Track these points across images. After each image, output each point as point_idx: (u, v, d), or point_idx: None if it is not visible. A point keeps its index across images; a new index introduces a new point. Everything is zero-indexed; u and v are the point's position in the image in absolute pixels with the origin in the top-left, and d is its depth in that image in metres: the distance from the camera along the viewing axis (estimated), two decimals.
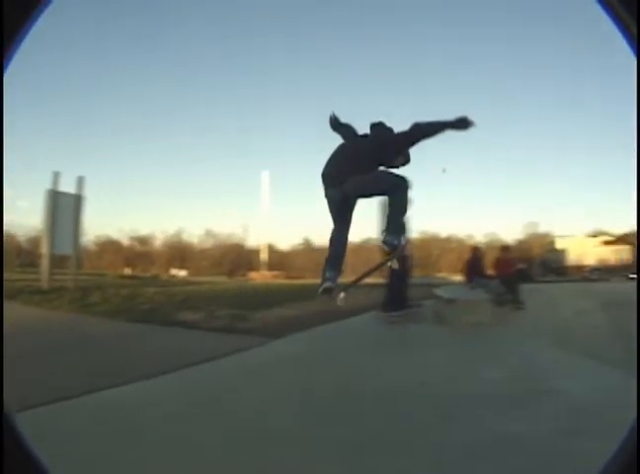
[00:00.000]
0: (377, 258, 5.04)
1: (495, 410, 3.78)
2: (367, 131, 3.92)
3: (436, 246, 65.03)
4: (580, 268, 64.12)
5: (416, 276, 11.97)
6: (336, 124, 4.01)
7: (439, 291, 10.28)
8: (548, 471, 2.70)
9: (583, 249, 71.97)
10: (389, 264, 3.95)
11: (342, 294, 3.59)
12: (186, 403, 3.86)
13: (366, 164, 3.64)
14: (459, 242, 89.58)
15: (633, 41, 0.83)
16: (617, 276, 50.59)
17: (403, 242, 3.79)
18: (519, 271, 13.44)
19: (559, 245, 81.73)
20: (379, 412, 3.71)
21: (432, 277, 33.25)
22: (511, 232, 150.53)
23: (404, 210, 3.65)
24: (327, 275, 3.77)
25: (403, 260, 8.62)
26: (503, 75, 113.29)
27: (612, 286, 27.10)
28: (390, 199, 3.70)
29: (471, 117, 3.68)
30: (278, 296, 12.89)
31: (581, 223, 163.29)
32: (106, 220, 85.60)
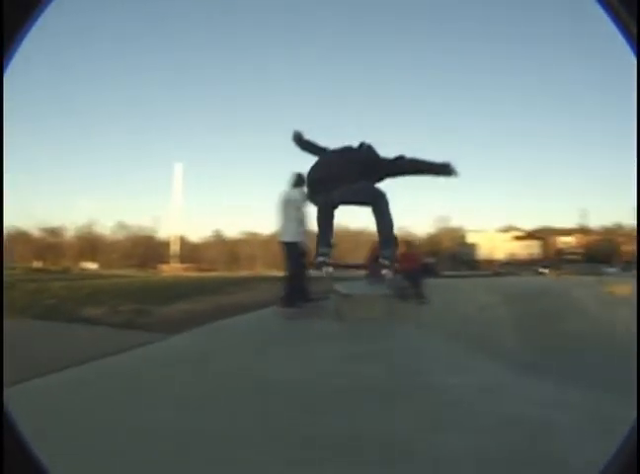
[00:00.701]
0: None
1: (366, 405, 3.93)
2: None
3: (347, 239, 67.86)
4: (490, 262, 70.12)
5: None
6: (300, 141, 4.61)
7: (337, 286, 10.67)
8: (391, 467, 2.94)
9: (493, 243, 78.52)
10: (383, 272, 4.56)
11: (330, 269, 4.56)
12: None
13: (353, 178, 4.11)
14: (371, 235, 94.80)
15: (633, 41, 0.86)
16: (527, 270, 55.90)
17: (395, 253, 4.58)
18: (423, 265, 14.19)
19: (470, 239, 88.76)
20: (251, 407, 3.95)
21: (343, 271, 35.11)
22: (422, 226, 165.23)
23: (391, 222, 4.18)
24: (321, 250, 4.48)
25: (302, 253, 8.71)
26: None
27: (520, 281, 29.98)
28: (375, 212, 4.20)
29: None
30: (185, 290, 13.34)
31: (492, 218, 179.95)
32: (15, 211, 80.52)
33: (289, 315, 8.70)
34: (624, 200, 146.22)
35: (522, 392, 4.70)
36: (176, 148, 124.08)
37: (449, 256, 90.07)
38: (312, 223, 8.46)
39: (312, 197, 4.37)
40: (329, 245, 4.49)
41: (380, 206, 4.15)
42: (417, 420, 3.73)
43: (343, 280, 12.44)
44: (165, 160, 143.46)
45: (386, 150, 4.45)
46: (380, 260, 4.52)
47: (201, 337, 7.29)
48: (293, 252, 8.68)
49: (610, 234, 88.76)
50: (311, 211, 8.46)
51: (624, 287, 20.14)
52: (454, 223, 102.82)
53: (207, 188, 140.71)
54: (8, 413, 0.92)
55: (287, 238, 8.69)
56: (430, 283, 12.44)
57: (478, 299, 12.46)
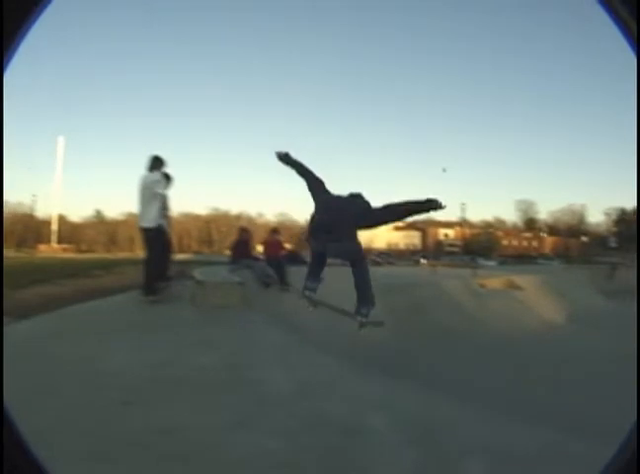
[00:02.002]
0: None
1: (182, 399, 4.04)
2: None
3: (225, 223, 68.89)
4: (368, 251, 75.29)
5: (205, 252, 12.63)
6: (286, 159, 5.32)
7: (195, 272, 10.98)
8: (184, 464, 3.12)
9: (373, 233, 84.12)
10: (359, 319, 5.10)
11: (311, 308, 5.34)
12: None
13: (347, 227, 4.87)
14: (250, 220, 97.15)
15: (633, 41, 0.90)
16: (405, 260, 60.57)
17: (371, 311, 5.24)
18: (289, 253, 14.75)
19: None
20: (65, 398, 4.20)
21: (220, 255, 36.14)
22: (303, 212, 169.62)
23: (369, 283, 5.07)
24: (307, 284, 5.35)
25: (162, 238, 9.03)
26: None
27: (397, 271, 31.95)
28: (355, 272, 5.05)
29: None
30: (51, 272, 13.40)
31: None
32: None
33: (147, 301, 8.94)
34: (506, 196, 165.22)
35: (349, 391, 5.00)
36: (61, 120, 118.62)
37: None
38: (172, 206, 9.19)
39: (310, 241, 5.22)
40: (317, 280, 5.32)
41: (360, 268, 5.02)
42: (226, 416, 3.93)
43: (215, 264, 12.52)
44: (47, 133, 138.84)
45: None
46: (357, 316, 5.17)
47: (49, 323, 7.39)
48: (152, 238, 8.88)
49: (491, 228, 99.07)
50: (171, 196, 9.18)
51: (496, 281, 22.49)
52: None
53: (92, 165, 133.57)
54: (8, 413, 0.96)
55: (146, 224, 8.85)
56: (300, 272, 12.84)
57: (343, 289, 13.02)
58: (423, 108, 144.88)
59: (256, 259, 12.49)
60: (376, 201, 4.73)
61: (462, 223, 55.31)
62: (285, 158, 5.50)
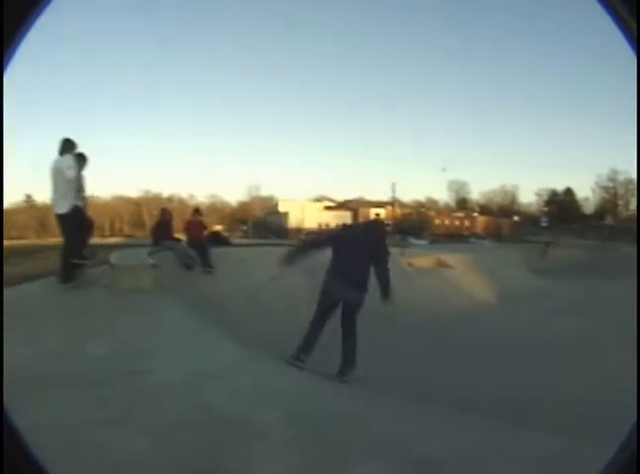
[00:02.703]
0: None
1: (54, 393, 3.94)
2: None
3: (156, 206, 70.24)
4: (299, 231, 76.00)
5: (138, 236, 12.28)
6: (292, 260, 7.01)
7: (111, 256, 10.82)
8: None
9: (305, 213, 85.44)
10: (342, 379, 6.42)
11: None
12: None
13: (363, 261, 6.62)
14: (181, 202, 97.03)
15: (633, 41, 0.92)
16: None
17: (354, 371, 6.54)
18: (212, 234, 14.76)
19: (282, 208, 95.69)
20: None
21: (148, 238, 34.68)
22: (234, 194, 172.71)
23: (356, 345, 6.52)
24: (302, 355, 6.50)
25: (79, 223, 8.90)
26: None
27: (324, 251, 32.32)
28: (348, 330, 6.60)
29: None
30: None
31: (308, 188, 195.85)
32: None
33: (63, 288, 8.82)
34: (438, 176, 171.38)
35: (244, 383, 4.83)
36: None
37: (254, 224, 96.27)
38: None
39: (325, 287, 6.96)
40: (311, 350, 6.83)
41: (353, 328, 6.91)
42: (98, 412, 3.73)
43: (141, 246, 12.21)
44: None
45: None
46: (340, 376, 6.53)
47: None
48: (68, 223, 8.80)
49: (423, 208, 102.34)
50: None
51: (424, 260, 23.15)
52: (265, 191, 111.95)
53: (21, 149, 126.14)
54: (8, 413, 0.99)
55: (59, 210, 8.77)
56: (223, 253, 12.73)
57: (270, 270, 13.10)
58: (356, 83, 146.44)
59: (177, 240, 12.40)
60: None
61: (393, 203, 56.42)
62: (291, 260, 7.01)
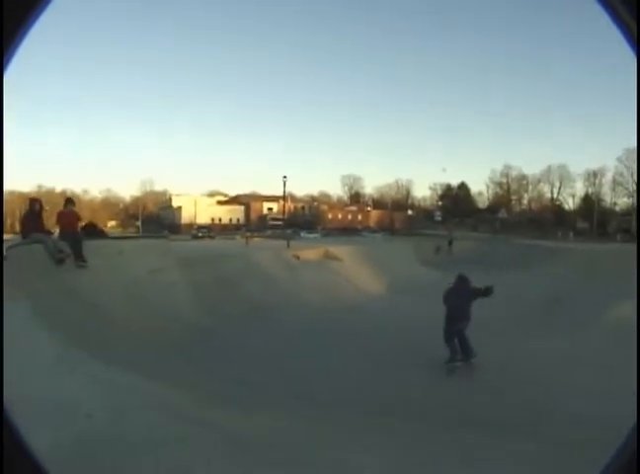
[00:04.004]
0: None
1: None
2: None
3: (50, 201, 66.51)
4: (192, 225, 75.94)
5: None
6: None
7: None
8: None
9: (197, 207, 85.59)
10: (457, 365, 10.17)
11: None
12: None
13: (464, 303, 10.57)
14: (75, 197, 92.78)
15: (633, 41, 0.95)
16: (228, 234, 61.94)
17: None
18: (86, 226, 14.31)
19: (175, 203, 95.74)
20: None
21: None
22: (127, 188, 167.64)
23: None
24: (457, 357, 10.30)
25: None
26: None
27: (212, 244, 32.19)
28: (464, 333, 10.62)
29: None
30: None
31: (201, 183, 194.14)
32: None
33: None
34: (331, 172, 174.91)
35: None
36: None
37: (152, 219, 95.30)
38: None
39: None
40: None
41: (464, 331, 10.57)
42: None
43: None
44: None
45: None
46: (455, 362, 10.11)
47: None
48: None
49: (315, 202, 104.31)
50: None
51: (311, 252, 23.76)
52: (159, 186, 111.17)
53: None
54: (8, 413, 0.99)
55: None
56: (99, 246, 12.33)
57: (150, 263, 13.00)
58: (247, 79, 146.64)
59: (48, 232, 11.92)
60: None
61: (285, 197, 57.31)
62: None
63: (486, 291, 10.71)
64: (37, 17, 0.97)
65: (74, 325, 8.49)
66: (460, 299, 10.69)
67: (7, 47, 0.95)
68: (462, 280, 11.11)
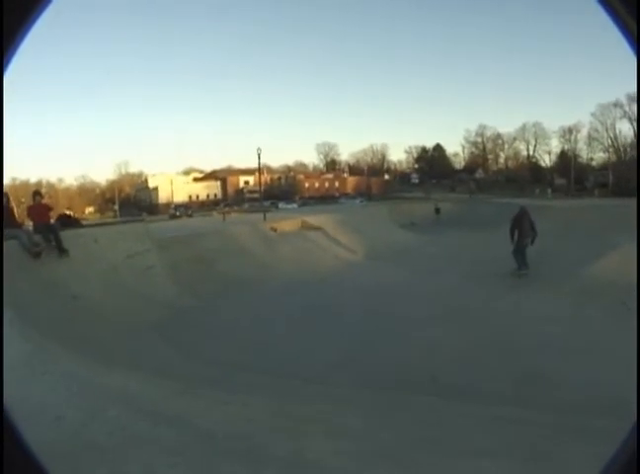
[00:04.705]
0: None
1: None
2: None
3: (25, 193, 66.33)
4: (169, 205, 75.95)
5: None
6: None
7: None
8: None
9: (174, 186, 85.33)
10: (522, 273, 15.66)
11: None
12: None
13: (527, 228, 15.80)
14: (50, 187, 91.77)
15: (633, 41, 0.94)
16: (205, 210, 61.99)
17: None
18: (60, 217, 14.08)
19: (151, 183, 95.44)
20: None
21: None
22: (102, 172, 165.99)
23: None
24: (524, 267, 15.73)
25: None
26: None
27: (190, 222, 32.06)
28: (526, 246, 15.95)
29: None
30: None
31: (175, 161, 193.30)
32: None
33: None
34: (305, 140, 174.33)
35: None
36: None
37: (128, 202, 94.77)
38: None
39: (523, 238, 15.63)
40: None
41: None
42: None
43: None
44: None
45: None
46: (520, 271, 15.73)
47: None
48: None
49: (291, 172, 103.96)
50: None
51: (289, 223, 23.65)
52: (134, 168, 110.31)
53: None
54: (8, 413, 0.99)
55: None
56: (77, 235, 12.14)
57: (127, 248, 12.92)
58: (216, 53, 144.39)
59: (20, 226, 11.69)
60: None
61: (261, 169, 57.03)
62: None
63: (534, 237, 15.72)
64: (37, 17, 0.98)
65: (54, 319, 8.36)
66: (524, 225, 15.65)
67: (7, 47, 0.95)
68: (524, 211, 16.15)
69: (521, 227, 15.56)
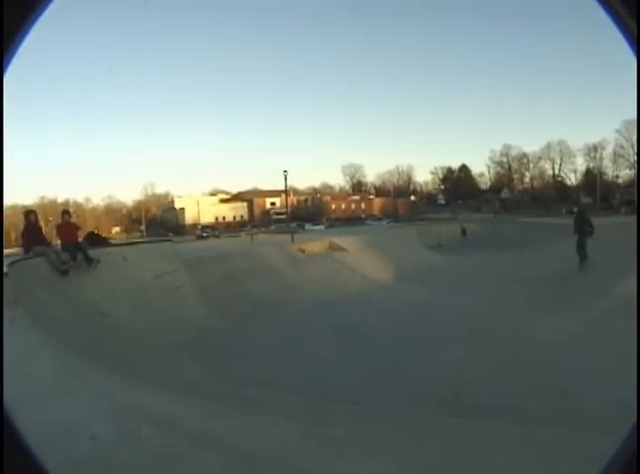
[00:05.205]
0: None
1: None
2: None
3: (52, 212, 68.58)
4: (196, 225, 77.05)
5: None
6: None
7: None
8: None
9: (201, 207, 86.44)
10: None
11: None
12: None
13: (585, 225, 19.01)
14: (77, 206, 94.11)
15: (633, 41, 0.95)
16: (232, 231, 62.71)
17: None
18: (88, 235, 14.34)
19: (177, 204, 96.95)
20: None
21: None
22: (129, 193, 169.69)
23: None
24: (583, 261, 18.57)
25: None
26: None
27: (217, 243, 32.24)
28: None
29: None
30: None
31: (201, 182, 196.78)
32: None
33: None
34: (331, 162, 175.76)
35: None
36: None
37: (155, 222, 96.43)
38: None
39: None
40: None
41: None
42: None
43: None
44: None
45: None
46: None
47: None
48: None
49: (318, 194, 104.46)
50: None
51: (316, 244, 23.56)
52: (161, 189, 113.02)
53: None
54: (8, 413, 1.00)
55: None
56: (102, 254, 12.21)
57: (155, 268, 12.97)
58: (242, 74, 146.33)
59: (49, 244, 11.90)
60: None
61: (287, 191, 57.34)
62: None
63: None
64: (37, 17, 0.97)
65: (82, 336, 8.35)
66: (583, 222, 18.69)
67: (7, 47, 0.94)
68: (580, 212, 20.62)
69: (580, 226, 18.63)
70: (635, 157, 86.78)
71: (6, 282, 8.50)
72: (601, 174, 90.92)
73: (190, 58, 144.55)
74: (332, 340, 10.60)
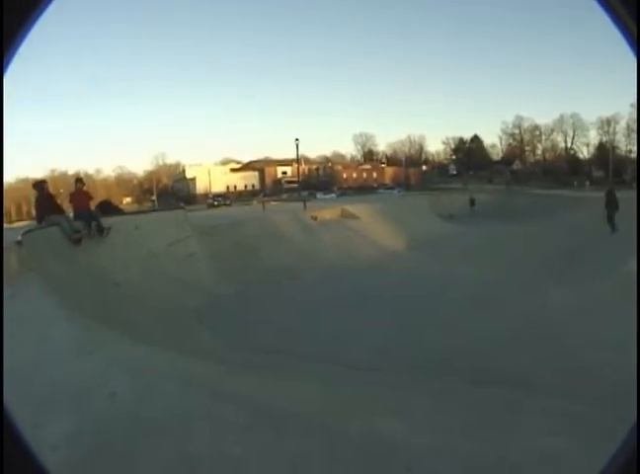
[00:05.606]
0: None
1: None
2: None
3: (63, 184, 68.83)
4: (207, 195, 76.78)
5: None
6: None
7: None
8: None
9: (211, 177, 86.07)
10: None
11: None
12: None
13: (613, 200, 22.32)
14: (88, 178, 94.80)
15: (633, 41, 0.96)
16: (243, 200, 62.83)
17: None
18: (101, 203, 14.27)
19: (188, 174, 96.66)
20: None
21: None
22: (140, 163, 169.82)
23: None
24: (615, 228, 21.04)
25: None
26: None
27: (229, 211, 32.33)
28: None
29: None
30: None
31: (212, 152, 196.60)
32: None
33: None
34: (343, 131, 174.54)
35: None
36: None
37: (166, 192, 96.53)
38: None
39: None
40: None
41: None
42: None
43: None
44: None
45: None
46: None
47: None
48: None
49: (329, 163, 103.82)
50: None
51: (329, 212, 23.49)
52: (171, 159, 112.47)
53: None
54: (8, 413, 1.00)
55: None
56: (115, 222, 12.17)
57: (168, 235, 12.95)
58: (255, 43, 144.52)
59: (62, 213, 11.82)
60: None
61: (299, 160, 56.86)
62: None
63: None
64: (37, 17, 0.97)
65: (96, 301, 8.32)
66: (612, 199, 21.48)
67: (7, 47, 0.94)
68: (612, 190, 22.97)
69: (610, 201, 21.68)
70: None
71: (20, 252, 8.48)
72: (614, 148, 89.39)
73: (201, 28, 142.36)
74: (345, 304, 10.56)
